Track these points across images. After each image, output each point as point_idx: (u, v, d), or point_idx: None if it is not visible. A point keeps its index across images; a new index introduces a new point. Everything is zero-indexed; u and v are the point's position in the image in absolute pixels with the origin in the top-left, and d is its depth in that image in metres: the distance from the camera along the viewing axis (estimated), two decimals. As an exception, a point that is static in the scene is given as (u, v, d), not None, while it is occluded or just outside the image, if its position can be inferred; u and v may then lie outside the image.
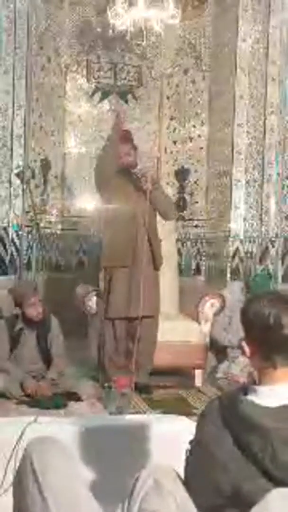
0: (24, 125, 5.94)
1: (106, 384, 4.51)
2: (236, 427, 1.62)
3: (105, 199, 5.08)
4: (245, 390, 1.70)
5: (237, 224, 6.18)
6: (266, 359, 1.68)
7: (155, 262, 4.99)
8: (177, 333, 5.30)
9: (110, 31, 5.36)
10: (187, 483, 1.69)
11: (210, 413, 1.73)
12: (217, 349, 5.45)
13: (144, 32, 5.31)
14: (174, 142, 7.06)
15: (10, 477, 1.94)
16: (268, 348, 1.67)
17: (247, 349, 1.72)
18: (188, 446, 1.76)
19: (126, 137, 5.04)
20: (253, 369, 1.74)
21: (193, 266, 6.87)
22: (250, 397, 1.66)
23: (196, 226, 6.89)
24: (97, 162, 5.21)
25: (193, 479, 1.68)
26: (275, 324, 1.66)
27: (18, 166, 5.85)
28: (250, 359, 1.75)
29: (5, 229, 5.86)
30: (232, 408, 1.64)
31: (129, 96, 7.04)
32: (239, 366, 4.89)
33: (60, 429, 2.42)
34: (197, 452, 1.70)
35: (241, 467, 1.59)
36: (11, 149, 5.89)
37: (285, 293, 1.82)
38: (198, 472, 1.66)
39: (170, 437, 2.17)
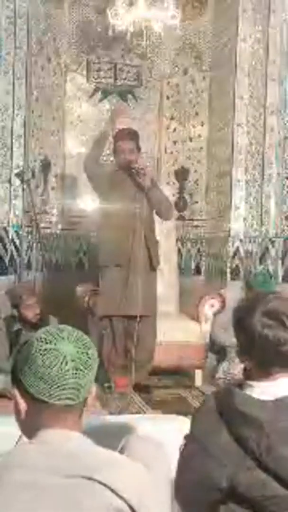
0: (24, 125, 5.94)
1: (105, 384, 4.51)
2: (232, 421, 1.63)
3: (103, 198, 5.10)
4: (240, 385, 1.71)
5: (237, 224, 6.18)
6: (262, 369, 1.69)
7: (151, 262, 4.98)
8: (177, 333, 5.30)
9: (110, 31, 5.36)
10: (180, 478, 1.69)
11: (205, 407, 1.74)
12: (217, 349, 5.45)
13: (144, 32, 5.31)
14: (174, 142, 7.06)
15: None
16: (266, 361, 1.68)
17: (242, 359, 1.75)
18: (183, 442, 1.77)
19: (131, 134, 5.05)
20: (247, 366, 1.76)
21: (193, 266, 6.87)
22: (246, 391, 1.67)
23: (196, 226, 6.89)
24: (84, 159, 5.23)
25: (188, 474, 1.69)
26: (272, 342, 1.66)
27: (18, 166, 5.85)
28: (244, 362, 1.76)
29: (5, 229, 5.86)
30: (228, 402, 1.65)
31: (129, 96, 7.04)
32: (239, 366, 4.89)
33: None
34: (192, 446, 1.70)
35: (237, 460, 1.60)
36: (11, 149, 5.89)
37: (285, 294, 1.82)
38: (193, 466, 1.67)
39: (170, 437, 2.16)
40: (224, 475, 1.60)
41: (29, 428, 1.46)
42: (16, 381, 1.46)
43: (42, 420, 1.43)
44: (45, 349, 1.41)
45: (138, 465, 1.44)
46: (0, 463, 1.40)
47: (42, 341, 1.42)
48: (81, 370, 1.41)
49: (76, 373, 1.40)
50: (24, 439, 1.50)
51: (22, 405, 1.46)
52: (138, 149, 5.06)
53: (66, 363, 1.40)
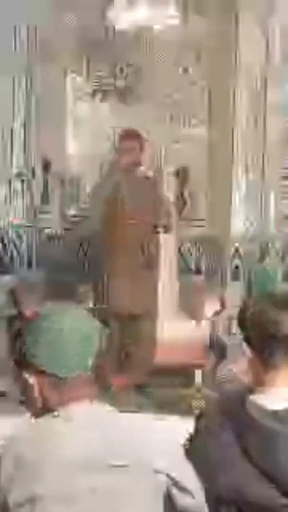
0: (24, 125, 5.94)
1: (105, 384, 4.49)
2: (240, 429, 1.60)
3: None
4: (249, 391, 1.69)
5: (237, 224, 6.18)
6: (266, 362, 1.68)
7: (147, 261, 5.00)
8: (177, 333, 5.30)
9: (110, 31, 5.36)
10: None
11: (210, 413, 1.72)
12: (217, 349, 5.45)
13: (144, 32, 5.31)
14: (174, 142, 7.05)
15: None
16: (268, 349, 1.67)
17: (248, 351, 1.72)
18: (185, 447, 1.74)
19: (131, 134, 5.09)
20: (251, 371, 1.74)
21: (193, 266, 6.86)
22: (255, 399, 1.65)
23: (196, 226, 6.88)
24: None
25: None
26: (274, 325, 1.66)
27: (18, 166, 5.85)
28: (250, 362, 1.74)
29: (5, 229, 5.86)
30: (237, 411, 1.63)
31: (129, 96, 7.03)
32: (239, 366, 4.89)
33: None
34: (194, 456, 1.68)
35: (242, 468, 1.58)
36: (11, 149, 5.89)
37: (285, 293, 1.83)
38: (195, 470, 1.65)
39: (171, 437, 2.16)
40: (228, 486, 1.58)
41: (47, 405, 1.50)
42: (26, 360, 1.52)
43: (62, 394, 1.48)
44: (47, 326, 1.50)
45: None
46: (36, 436, 1.45)
47: (44, 319, 1.53)
48: (81, 341, 1.47)
49: (76, 344, 1.47)
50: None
51: (35, 384, 1.51)
52: (141, 147, 5.09)
53: (65, 335, 1.47)
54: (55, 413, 1.46)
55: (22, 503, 1.39)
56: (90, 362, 1.48)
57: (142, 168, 5.06)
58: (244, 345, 1.74)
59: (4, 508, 1.42)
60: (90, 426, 1.44)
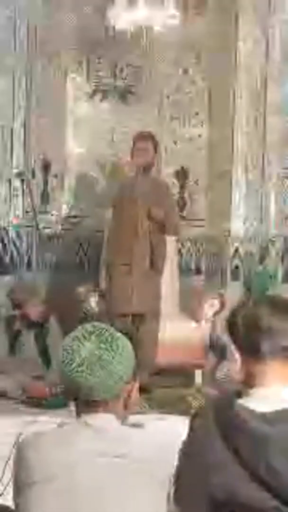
0: (24, 125, 5.95)
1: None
2: (229, 433, 1.60)
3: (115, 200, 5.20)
4: (238, 394, 1.69)
5: (237, 224, 6.19)
6: (254, 364, 1.68)
7: (153, 261, 5.01)
8: (177, 333, 5.31)
9: (110, 31, 5.36)
10: (178, 483, 1.68)
11: (203, 416, 1.72)
12: (217, 349, 5.45)
13: (144, 32, 5.32)
14: (174, 142, 7.05)
15: (8, 476, 1.95)
16: (257, 350, 1.67)
17: (236, 354, 1.73)
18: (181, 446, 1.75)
19: (145, 136, 5.16)
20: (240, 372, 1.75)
21: (193, 266, 6.86)
22: (244, 401, 1.65)
23: (196, 226, 6.88)
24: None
25: (184, 479, 1.67)
26: (266, 325, 1.66)
27: (18, 166, 5.86)
28: (241, 363, 1.75)
29: (5, 229, 5.87)
30: (226, 414, 1.62)
31: (129, 96, 7.03)
32: (232, 366, 4.89)
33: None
34: (189, 454, 1.68)
35: (234, 472, 1.57)
36: (11, 149, 5.90)
37: (284, 294, 1.83)
38: (189, 474, 1.65)
39: (170, 437, 2.17)
40: (221, 486, 1.58)
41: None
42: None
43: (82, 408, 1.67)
44: (63, 348, 1.64)
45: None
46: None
47: (67, 339, 1.67)
48: (92, 368, 1.60)
49: (86, 372, 1.59)
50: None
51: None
52: (155, 148, 5.18)
53: (78, 363, 1.60)
54: (82, 420, 1.65)
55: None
56: (104, 389, 1.64)
57: (154, 169, 5.13)
58: (233, 347, 1.75)
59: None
60: (103, 433, 1.63)
